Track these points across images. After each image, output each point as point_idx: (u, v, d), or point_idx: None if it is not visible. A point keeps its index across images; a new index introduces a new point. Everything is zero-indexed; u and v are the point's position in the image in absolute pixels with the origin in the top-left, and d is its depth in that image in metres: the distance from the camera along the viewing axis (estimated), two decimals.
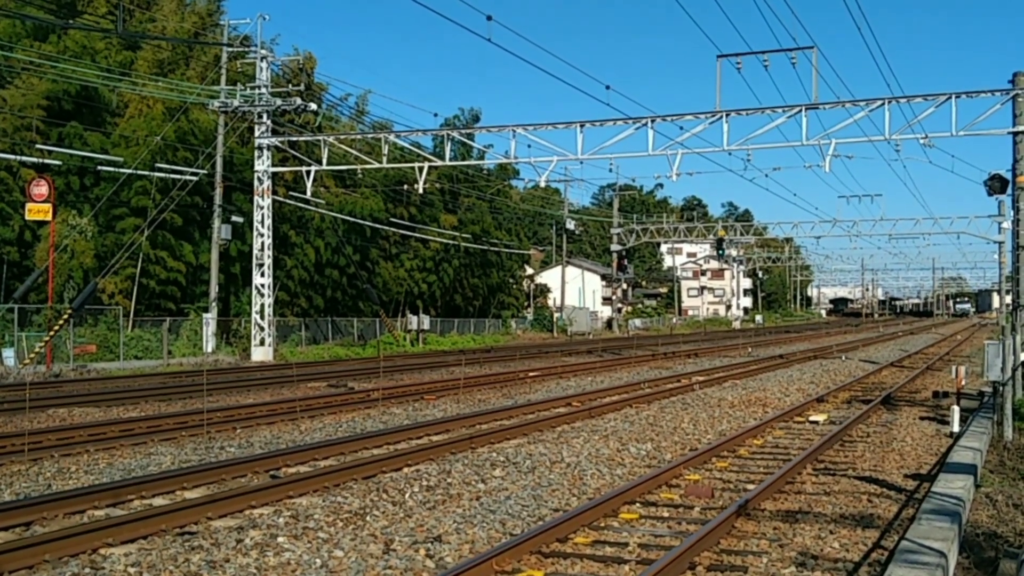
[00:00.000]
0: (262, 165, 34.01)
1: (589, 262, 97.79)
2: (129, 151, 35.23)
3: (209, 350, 34.48)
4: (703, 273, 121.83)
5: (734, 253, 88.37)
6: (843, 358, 36.44)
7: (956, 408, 15.78)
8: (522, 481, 11.29)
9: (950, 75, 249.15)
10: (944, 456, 12.78)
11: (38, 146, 34.48)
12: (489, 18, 21.85)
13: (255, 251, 34.33)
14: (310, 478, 10.74)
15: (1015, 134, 21.67)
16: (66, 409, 17.93)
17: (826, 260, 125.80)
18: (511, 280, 67.24)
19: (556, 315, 67.90)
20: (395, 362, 31.72)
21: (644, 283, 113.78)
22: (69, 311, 28.89)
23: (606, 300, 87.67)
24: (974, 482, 10.67)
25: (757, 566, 7.88)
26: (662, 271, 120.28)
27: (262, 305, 34.12)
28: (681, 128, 28.25)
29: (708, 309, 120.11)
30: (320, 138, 34.36)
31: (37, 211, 28.90)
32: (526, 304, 72.67)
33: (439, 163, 35.15)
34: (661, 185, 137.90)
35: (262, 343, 34.00)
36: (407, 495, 10.35)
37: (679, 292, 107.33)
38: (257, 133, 34.21)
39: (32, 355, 27.43)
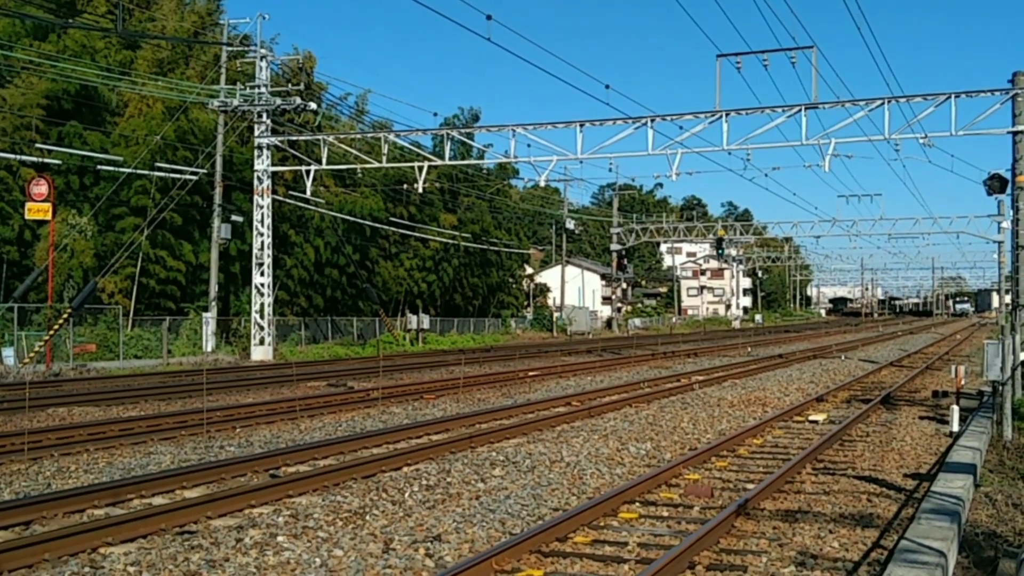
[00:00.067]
0: (262, 164, 34.01)
1: (589, 262, 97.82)
2: (129, 150, 35.22)
3: (209, 349, 34.49)
4: (703, 273, 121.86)
5: (734, 253, 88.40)
6: (842, 357, 36.45)
7: (956, 408, 15.79)
8: (522, 480, 11.29)
9: (950, 75, 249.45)
10: (944, 456, 12.78)
11: (38, 145, 34.48)
12: (489, 17, 21.85)
13: (255, 250, 34.33)
14: (310, 477, 10.74)
15: (1015, 134, 21.67)
16: (66, 408, 17.93)
17: (826, 260, 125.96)
18: (511, 279, 67.25)
19: (556, 314, 67.91)
20: (395, 361, 31.72)
21: (644, 283, 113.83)
22: (69, 310, 28.89)
23: (606, 300, 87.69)
24: (974, 482, 10.67)
25: (757, 565, 7.89)
26: (662, 271, 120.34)
27: (262, 304, 34.13)
28: (681, 128, 28.27)
29: (708, 309, 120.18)
30: (320, 137, 34.36)
31: (37, 210, 28.89)
32: (526, 304, 72.68)
33: (439, 162, 35.14)
34: (661, 185, 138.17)
35: (262, 342, 34.00)
36: (407, 494, 10.35)
37: (679, 292, 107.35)
38: (257, 132, 34.21)
39: (32, 354, 27.43)
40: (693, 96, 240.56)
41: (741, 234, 70.64)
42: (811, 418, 17.42)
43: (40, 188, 28.78)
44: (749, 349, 42.34)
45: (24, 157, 33.97)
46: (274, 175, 35.35)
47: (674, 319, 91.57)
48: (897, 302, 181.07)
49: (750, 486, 10.92)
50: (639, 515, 9.58)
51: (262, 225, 34.11)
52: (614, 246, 66.34)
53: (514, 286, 68.59)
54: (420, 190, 33.71)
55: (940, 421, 17.08)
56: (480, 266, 59.45)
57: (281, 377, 25.16)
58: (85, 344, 31.14)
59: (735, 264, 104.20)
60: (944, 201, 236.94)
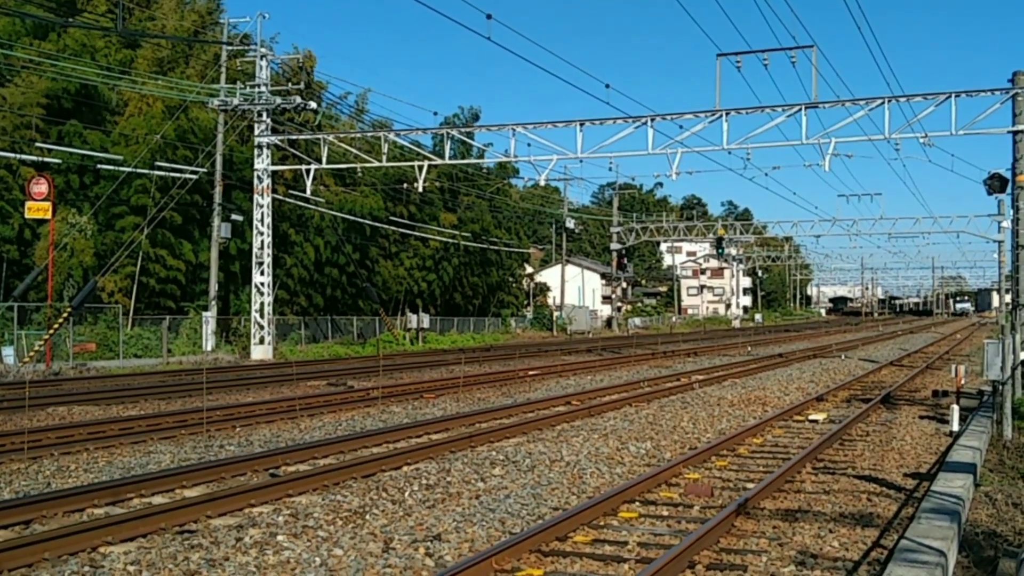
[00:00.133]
0: (262, 163, 34.01)
1: (589, 261, 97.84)
2: (129, 149, 35.21)
3: (209, 348, 34.49)
4: (703, 272, 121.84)
5: (734, 252, 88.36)
6: (842, 357, 36.45)
7: (956, 407, 15.79)
8: (522, 480, 11.29)
9: (950, 74, 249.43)
10: (944, 455, 12.78)
11: (38, 144, 34.48)
12: (489, 17, 21.85)
13: (255, 249, 34.33)
14: (309, 476, 10.74)
15: (1015, 133, 21.66)
16: (65, 407, 17.94)
17: (826, 259, 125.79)
18: (511, 279, 67.25)
19: (556, 314, 67.91)
20: (395, 361, 31.72)
21: (644, 282, 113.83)
22: (69, 309, 28.90)
23: (606, 299, 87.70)
24: (974, 481, 10.67)
25: (757, 565, 7.88)
26: (662, 270, 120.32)
27: (262, 303, 34.13)
28: (681, 127, 28.25)
29: (707, 308, 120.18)
30: (320, 137, 34.34)
31: (37, 209, 28.89)
32: (526, 303, 72.69)
33: (439, 162, 35.12)
34: (661, 184, 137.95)
35: (262, 341, 34.00)
36: (407, 494, 10.35)
37: (679, 291, 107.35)
38: (257, 131, 34.20)
39: (32, 353, 27.43)
40: (693, 95, 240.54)
41: (741, 233, 70.63)
42: (811, 417, 17.42)
43: (40, 187, 28.78)
44: (749, 348, 42.34)
45: (24, 156, 33.97)
46: (274, 174, 35.35)
47: (674, 318, 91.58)
48: (897, 301, 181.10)
49: (750, 485, 10.92)
50: (639, 514, 9.58)
51: (262, 224, 34.11)
52: (614, 245, 66.34)
53: (514, 285, 68.59)
54: (420, 189, 33.70)
55: (940, 420, 17.07)
56: (480, 265, 59.45)
57: (281, 376, 25.16)
58: (85, 343, 31.15)
59: (735, 263, 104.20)
60: (944, 200, 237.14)
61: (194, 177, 34.14)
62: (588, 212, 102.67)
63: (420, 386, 22.49)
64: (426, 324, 46.81)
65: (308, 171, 33.81)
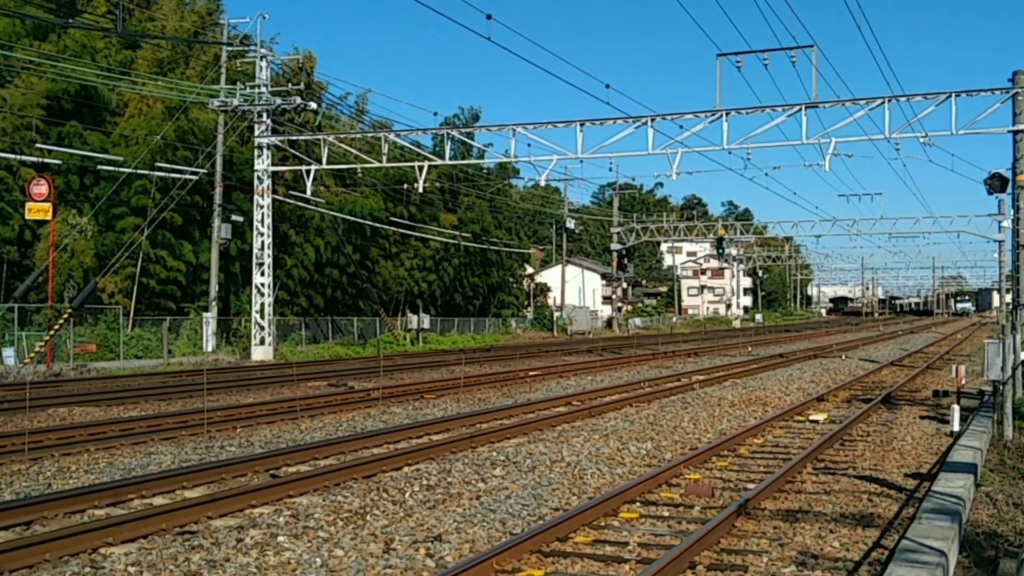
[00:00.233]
0: (262, 164, 34.01)
1: (589, 261, 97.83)
2: (129, 150, 35.22)
3: (209, 349, 34.49)
4: (703, 272, 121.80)
5: (734, 252, 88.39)
6: (843, 357, 36.45)
7: (956, 407, 15.78)
8: (522, 480, 11.29)
9: (950, 74, 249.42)
10: (944, 455, 12.77)
11: (38, 145, 34.47)
12: (489, 17, 21.85)
13: (255, 250, 34.33)
14: (310, 477, 10.74)
15: (1015, 132, 21.67)
16: (66, 408, 17.93)
17: (826, 259, 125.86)
18: (511, 279, 67.23)
19: (556, 314, 67.91)
20: (395, 361, 31.72)
21: (644, 282, 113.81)
22: (69, 310, 28.90)
23: (606, 299, 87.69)
24: (974, 481, 10.66)
25: (757, 565, 7.88)
26: (662, 270, 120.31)
27: (262, 304, 34.12)
28: (681, 127, 28.26)
29: (708, 308, 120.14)
30: (320, 137, 34.35)
31: (37, 210, 28.90)
32: (526, 303, 72.66)
33: (439, 162, 35.12)
34: (661, 184, 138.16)
35: (262, 342, 34.00)
36: (407, 494, 10.35)
37: (679, 291, 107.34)
38: (257, 132, 34.20)
39: (32, 354, 27.43)
40: (693, 95, 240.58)
41: (741, 233, 70.63)
42: (812, 418, 17.41)
43: (40, 188, 28.78)
44: (749, 348, 42.33)
45: (24, 157, 33.97)
46: (274, 175, 35.34)
47: (674, 319, 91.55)
48: (898, 301, 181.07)
49: (751, 486, 10.91)
50: (640, 515, 9.58)
51: (262, 225, 34.11)
52: (614, 246, 66.33)
53: (514, 286, 68.57)
54: (420, 190, 33.71)
55: (941, 420, 17.07)
56: (480, 266, 59.44)
57: (281, 377, 25.16)
58: (85, 344, 31.14)
59: (735, 263, 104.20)
60: (944, 200, 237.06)
61: (194, 178, 34.14)
62: (588, 212, 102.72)
63: (421, 387, 22.49)
64: (426, 325, 46.81)
65: (308, 172, 33.81)
